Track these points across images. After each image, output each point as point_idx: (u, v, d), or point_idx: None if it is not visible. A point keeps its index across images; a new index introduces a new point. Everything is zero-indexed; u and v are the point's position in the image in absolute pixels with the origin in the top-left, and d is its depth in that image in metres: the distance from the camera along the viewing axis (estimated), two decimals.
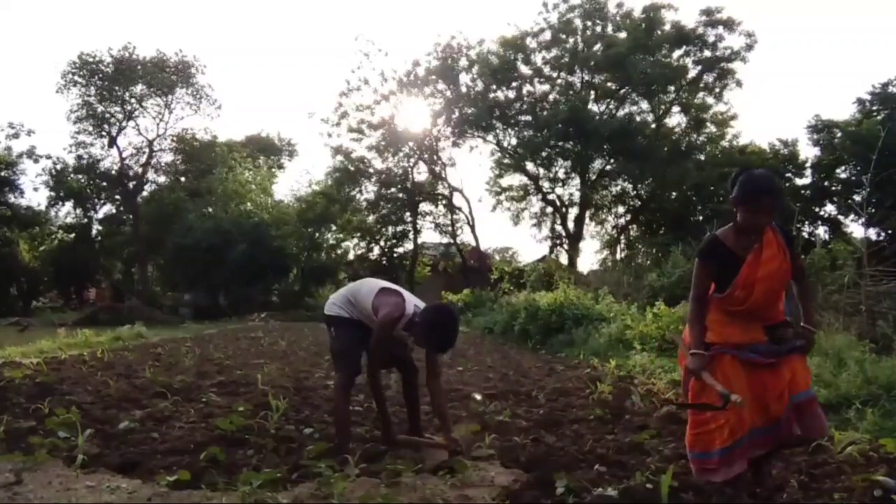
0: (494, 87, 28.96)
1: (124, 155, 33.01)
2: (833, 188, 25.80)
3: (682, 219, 27.80)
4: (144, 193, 34.00)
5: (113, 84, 30.96)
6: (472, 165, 70.99)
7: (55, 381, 6.49)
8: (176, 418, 4.87)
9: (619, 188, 30.74)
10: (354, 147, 31.52)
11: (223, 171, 33.31)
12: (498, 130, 30.14)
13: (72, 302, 35.00)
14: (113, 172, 33.12)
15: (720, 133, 29.97)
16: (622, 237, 30.98)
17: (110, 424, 4.56)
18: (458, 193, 32.48)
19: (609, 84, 28.50)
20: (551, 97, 29.23)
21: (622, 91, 28.42)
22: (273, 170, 39.30)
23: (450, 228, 33.40)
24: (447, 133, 30.71)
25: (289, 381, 6.86)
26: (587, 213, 30.36)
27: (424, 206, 33.30)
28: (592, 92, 28.90)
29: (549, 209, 30.89)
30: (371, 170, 31.96)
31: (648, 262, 20.59)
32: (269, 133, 41.87)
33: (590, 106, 27.93)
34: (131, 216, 33.16)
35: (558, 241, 30.82)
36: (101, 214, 35.10)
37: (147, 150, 33.22)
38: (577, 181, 29.48)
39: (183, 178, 34.56)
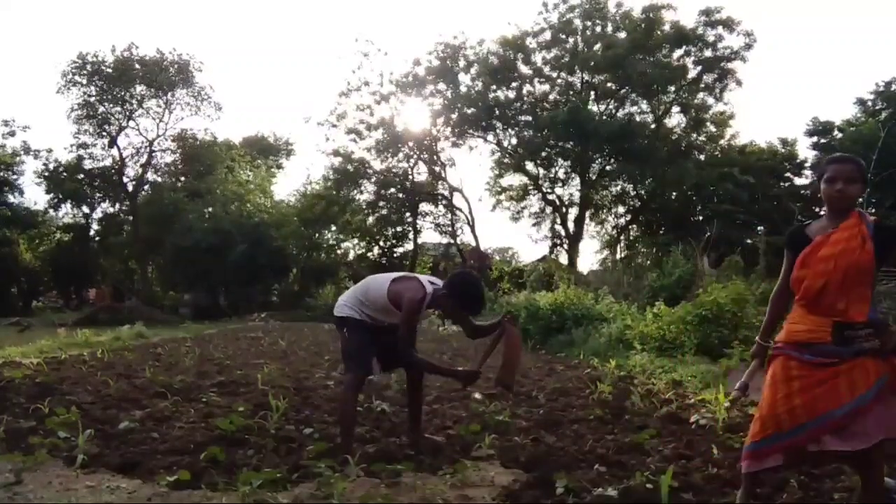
0: (494, 87, 28.91)
1: (124, 155, 33.05)
2: None
3: (682, 219, 27.86)
4: (144, 194, 34.00)
5: (114, 84, 30.93)
6: (472, 165, 70.77)
7: (55, 381, 6.48)
8: (176, 418, 4.87)
9: (619, 188, 30.77)
10: (353, 148, 31.56)
11: (223, 171, 33.29)
12: (498, 130, 30.13)
13: (72, 302, 35.03)
14: (113, 172, 33.11)
15: (720, 133, 30.00)
16: (622, 237, 31.02)
17: (110, 424, 4.56)
18: (458, 193, 32.45)
19: (609, 84, 28.46)
20: (551, 97, 29.25)
21: (622, 91, 28.39)
22: (273, 170, 39.29)
23: (450, 228, 33.36)
24: (447, 133, 30.65)
25: (289, 381, 6.84)
26: (587, 213, 30.33)
27: (424, 207, 33.19)
28: (592, 92, 28.88)
29: (549, 209, 30.92)
30: (370, 170, 31.95)
31: (648, 262, 20.63)
32: (266, 134, 41.74)
33: (590, 106, 27.89)
34: (131, 216, 33.14)
35: (558, 241, 30.86)
36: (100, 214, 35.18)
37: (147, 150, 33.25)
38: (577, 181, 29.51)
39: (183, 179, 34.53)
